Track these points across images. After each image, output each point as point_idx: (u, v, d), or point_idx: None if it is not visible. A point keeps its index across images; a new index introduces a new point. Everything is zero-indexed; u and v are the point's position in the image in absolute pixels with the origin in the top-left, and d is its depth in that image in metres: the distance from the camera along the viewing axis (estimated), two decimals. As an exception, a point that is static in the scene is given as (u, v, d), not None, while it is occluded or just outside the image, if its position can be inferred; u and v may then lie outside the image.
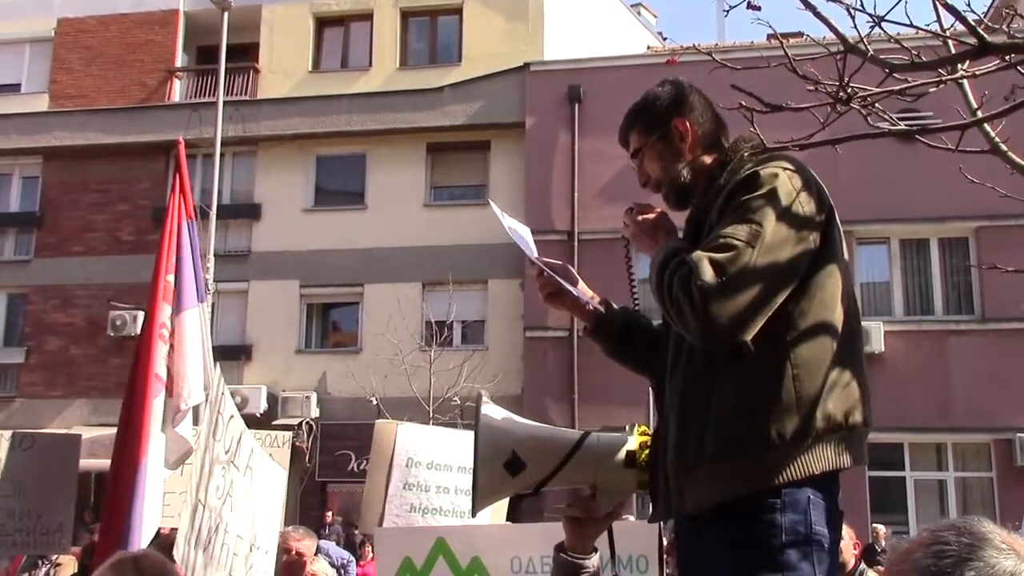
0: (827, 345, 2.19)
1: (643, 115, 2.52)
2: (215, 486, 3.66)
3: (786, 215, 2.17)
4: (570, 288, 2.54)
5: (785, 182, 2.21)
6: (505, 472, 2.19)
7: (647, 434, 2.24)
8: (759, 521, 2.11)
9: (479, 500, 2.21)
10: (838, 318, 2.23)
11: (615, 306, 2.66)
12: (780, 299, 2.15)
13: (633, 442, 2.22)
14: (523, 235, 2.61)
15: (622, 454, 2.21)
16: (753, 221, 2.15)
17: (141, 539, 4.48)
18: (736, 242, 2.13)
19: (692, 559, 2.28)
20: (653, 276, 2.28)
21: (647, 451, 2.20)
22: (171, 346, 5.46)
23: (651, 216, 2.47)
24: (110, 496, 4.40)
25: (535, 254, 2.56)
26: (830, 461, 2.16)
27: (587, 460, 2.20)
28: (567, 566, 2.25)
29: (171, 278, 5.45)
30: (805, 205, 2.21)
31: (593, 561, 2.26)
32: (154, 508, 4.55)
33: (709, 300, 2.08)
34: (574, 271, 2.61)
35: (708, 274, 2.09)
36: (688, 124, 2.45)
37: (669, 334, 2.39)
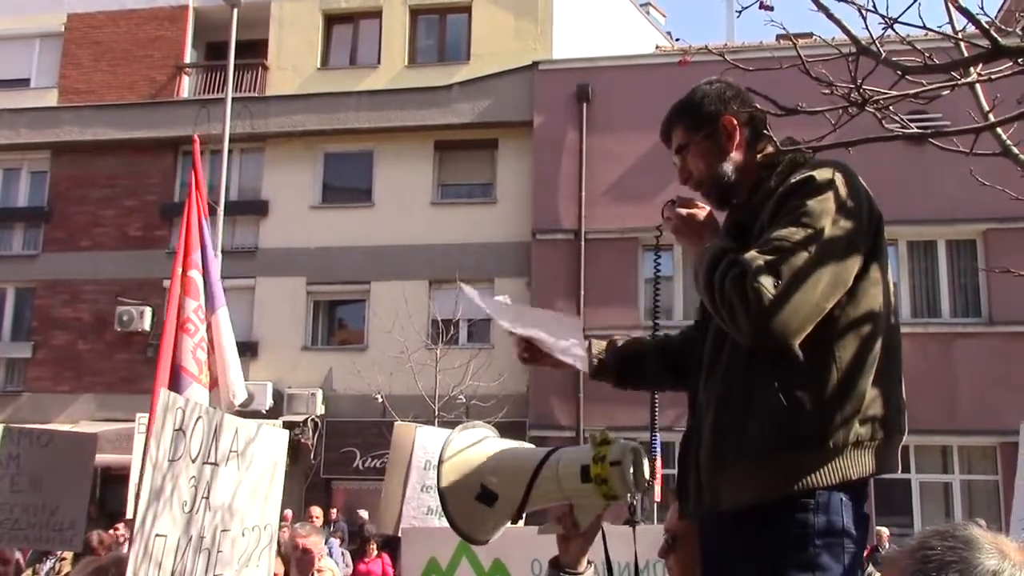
0: (870, 352, 2.20)
1: (691, 111, 2.50)
2: (179, 506, 3.64)
3: (840, 221, 2.17)
4: (549, 351, 2.51)
5: (840, 188, 2.22)
6: (480, 505, 2.21)
7: (608, 443, 2.20)
8: (793, 521, 2.13)
9: (474, 533, 2.22)
10: (881, 326, 2.24)
11: (611, 342, 2.66)
12: (831, 304, 2.15)
13: (588, 456, 2.20)
14: (498, 305, 2.56)
15: (579, 470, 2.20)
16: (808, 225, 2.15)
17: None
18: (792, 245, 2.13)
19: (720, 557, 2.28)
20: (701, 274, 2.27)
21: (600, 464, 2.17)
22: (210, 344, 5.59)
23: (698, 212, 2.43)
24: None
25: (510, 321, 2.54)
26: (867, 467, 2.18)
27: (550, 481, 2.21)
28: None
29: (193, 273, 5.54)
30: (857, 212, 2.22)
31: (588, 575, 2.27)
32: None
33: (764, 302, 2.08)
34: (568, 320, 2.59)
35: (764, 276, 2.09)
36: (736, 123, 2.45)
37: (706, 335, 2.39)
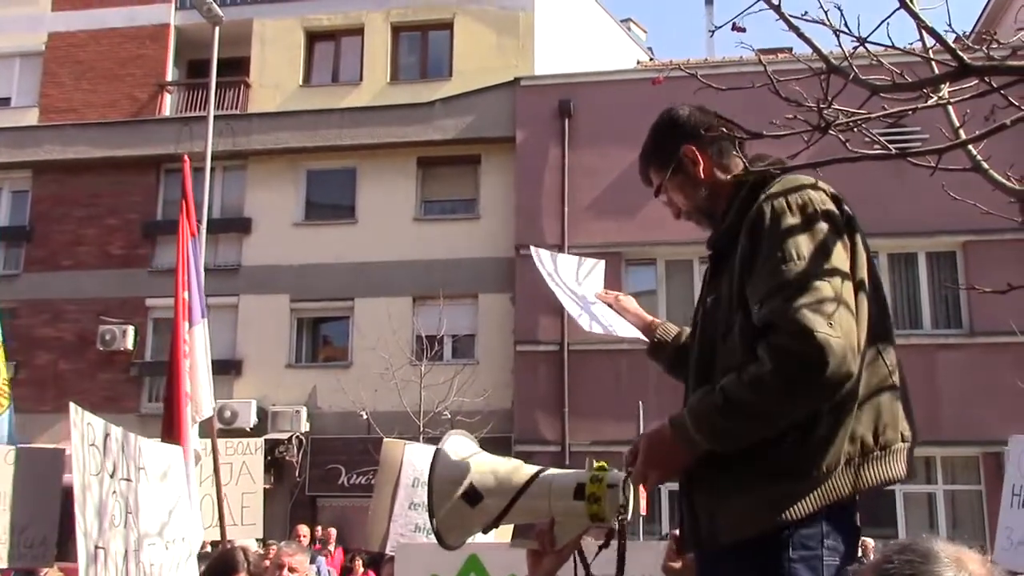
0: (863, 370, 2.19)
1: (654, 152, 2.54)
2: (108, 520, 3.67)
3: (835, 242, 2.19)
4: (624, 321, 2.60)
5: (831, 209, 2.24)
6: (464, 503, 2.24)
7: (604, 469, 2.24)
8: (771, 532, 2.14)
9: (443, 531, 2.25)
10: (868, 339, 2.22)
11: (672, 328, 2.73)
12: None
13: (585, 476, 2.24)
14: (578, 280, 2.65)
15: (572, 485, 2.24)
16: (821, 254, 2.15)
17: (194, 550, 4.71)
18: (819, 283, 2.10)
19: (705, 566, 2.31)
20: (731, 419, 2.12)
21: (598, 484, 2.21)
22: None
23: (655, 445, 2.26)
24: None
25: (597, 290, 2.65)
26: (863, 481, 2.18)
27: (541, 492, 2.25)
28: None
29: (186, 295, 5.62)
30: (839, 227, 2.24)
31: None
32: (197, 520, 4.77)
33: (833, 343, 2.03)
34: (631, 299, 2.69)
35: (819, 323, 2.04)
36: (695, 149, 2.46)
37: (688, 361, 2.41)
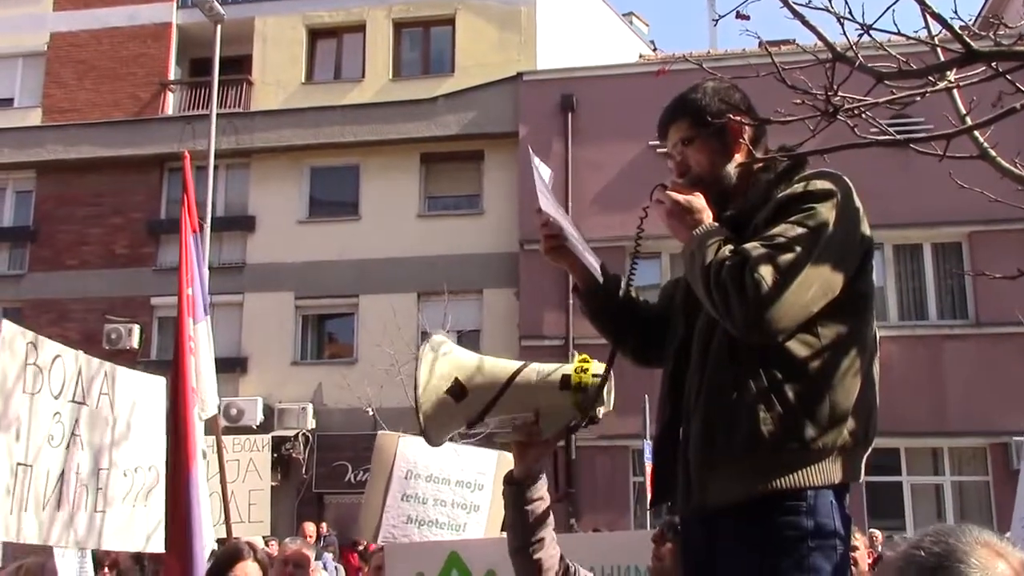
0: (859, 362, 2.24)
1: (700, 105, 2.45)
2: (47, 435, 3.66)
3: (838, 232, 2.20)
4: (575, 243, 2.48)
5: (842, 201, 2.24)
6: (448, 398, 2.30)
7: (587, 361, 2.35)
8: (785, 523, 2.15)
9: (428, 427, 2.30)
10: (869, 341, 2.28)
11: (615, 277, 2.65)
12: (817, 308, 2.18)
13: (570, 367, 2.33)
14: (546, 180, 2.54)
15: (558, 376, 2.33)
16: (811, 228, 2.17)
17: (205, 550, 4.72)
18: (795, 245, 2.14)
19: (706, 559, 2.29)
20: (696, 257, 2.24)
21: (584, 375, 2.30)
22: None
23: (694, 198, 2.36)
24: (171, 514, 4.53)
25: (548, 202, 2.50)
26: (850, 472, 2.22)
27: (527, 385, 2.33)
28: (513, 494, 2.36)
29: (190, 291, 5.63)
30: (853, 228, 2.26)
31: (538, 487, 2.36)
32: (208, 518, 4.83)
33: (762, 295, 2.10)
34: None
35: (766, 269, 2.11)
36: (744, 124, 2.42)
37: (690, 324, 2.39)
